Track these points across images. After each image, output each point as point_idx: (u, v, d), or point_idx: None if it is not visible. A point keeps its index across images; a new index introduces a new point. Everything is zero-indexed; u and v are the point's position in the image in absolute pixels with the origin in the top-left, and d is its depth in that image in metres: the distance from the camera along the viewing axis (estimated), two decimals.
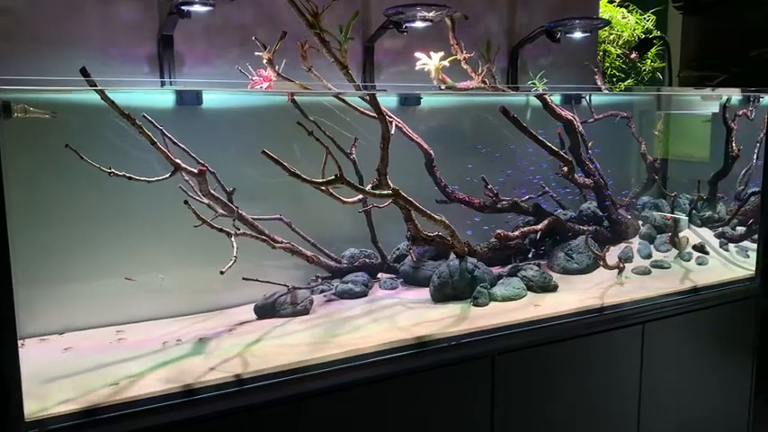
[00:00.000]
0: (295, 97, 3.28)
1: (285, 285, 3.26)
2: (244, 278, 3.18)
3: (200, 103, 3.29)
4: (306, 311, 3.26)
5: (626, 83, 4.55)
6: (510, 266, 3.71)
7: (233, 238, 2.81)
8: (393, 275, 3.72)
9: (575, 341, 3.31)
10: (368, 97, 3.14)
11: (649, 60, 4.80)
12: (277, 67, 3.20)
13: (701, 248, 4.21)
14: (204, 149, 3.25)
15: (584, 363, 3.36)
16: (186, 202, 2.66)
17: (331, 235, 3.70)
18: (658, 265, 4.02)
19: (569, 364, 3.32)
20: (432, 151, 3.59)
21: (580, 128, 4.18)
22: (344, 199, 3.02)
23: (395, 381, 2.84)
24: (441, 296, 3.43)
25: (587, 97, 4.25)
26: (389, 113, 3.45)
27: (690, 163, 4.74)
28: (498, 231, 3.48)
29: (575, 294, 3.55)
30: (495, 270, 3.79)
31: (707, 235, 4.45)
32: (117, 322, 3.17)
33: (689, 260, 4.13)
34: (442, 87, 3.77)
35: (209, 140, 3.31)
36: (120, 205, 3.09)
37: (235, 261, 2.72)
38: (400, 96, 3.79)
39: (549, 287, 3.57)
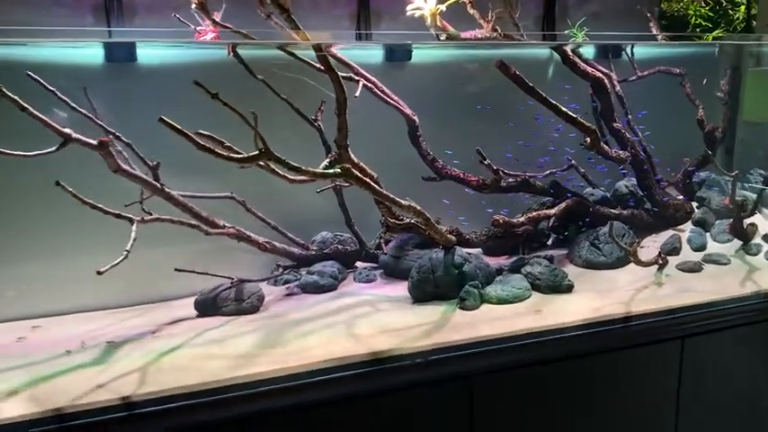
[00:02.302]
0: (284, 52, 2.62)
1: (228, 278, 2.70)
2: (177, 269, 2.63)
3: (133, 60, 2.73)
4: (254, 309, 2.67)
5: (715, 33, 3.52)
6: (514, 259, 2.96)
7: (134, 226, 2.24)
8: (373, 265, 3.08)
9: (583, 361, 2.53)
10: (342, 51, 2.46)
11: (743, 6, 3.74)
12: (216, 14, 2.58)
13: None
14: (137, 114, 2.70)
15: (595, 390, 2.58)
16: (58, 182, 2.09)
17: (304, 216, 3.08)
18: (713, 261, 3.12)
19: (575, 392, 2.55)
20: (416, 118, 2.86)
21: (617, 88, 3.30)
22: (292, 177, 2.37)
23: (329, 410, 2.21)
24: (421, 295, 2.75)
25: (628, 49, 3.34)
26: (360, 70, 2.76)
27: None
28: (496, 217, 2.73)
29: (592, 298, 2.75)
30: (499, 262, 3.06)
31: None
32: (42, 314, 2.73)
33: (756, 254, 3.19)
34: (442, 38, 3.02)
35: (143, 103, 2.76)
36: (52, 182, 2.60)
37: (125, 257, 2.14)
38: (386, 49, 3.07)
39: (560, 287, 2.79)
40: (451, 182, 2.94)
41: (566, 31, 3.30)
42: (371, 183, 2.29)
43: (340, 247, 2.96)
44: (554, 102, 2.63)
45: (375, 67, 3.05)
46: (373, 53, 3.06)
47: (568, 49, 2.90)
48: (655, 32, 3.51)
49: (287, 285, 2.91)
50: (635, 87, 3.43)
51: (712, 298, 2.76)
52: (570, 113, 2.64)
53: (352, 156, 2.53)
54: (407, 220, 2.50)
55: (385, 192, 2.33)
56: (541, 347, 2.46)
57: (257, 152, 2.13)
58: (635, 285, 2.89)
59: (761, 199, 3.18)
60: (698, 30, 3.61)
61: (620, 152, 3.08)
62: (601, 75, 2.97)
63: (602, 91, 3.00)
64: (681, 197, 3.52)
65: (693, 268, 3.03)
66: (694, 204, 3.48)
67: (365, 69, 2.90)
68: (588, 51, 3.36)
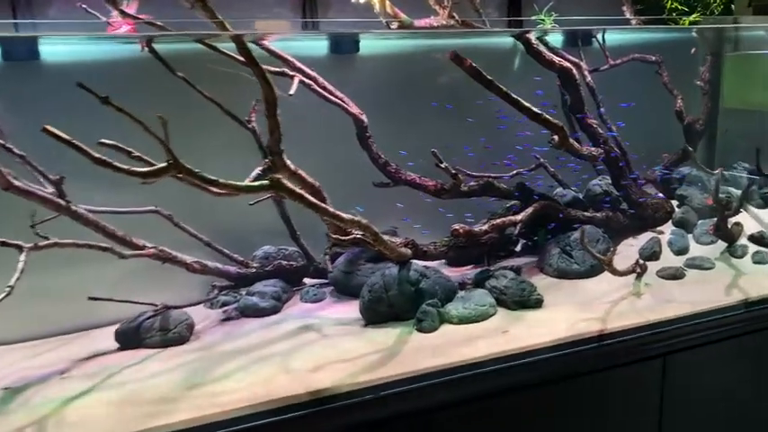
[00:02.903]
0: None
1: (152, 305, 2.35)
2: (90, 298, 2.28)
3: (34, 58, 2.36)
4: (182, 340, 2.32)
5: (692, 17, 3.21)
6: (478, 271, 2.64)
7: (23, 255, 1.88)
8: (322, 282, 2.74)
9: (555, 387, 2.22)
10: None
11: None
12: (131, 6, 2.22)
13: (760, 240, 2.97)
14: (40, 120, 2.33)
15: (569, 420, 2.27)
16: None
17: (246, 228, 2.74)
18: (697, 265, 2.82)
19: (547, 423, 2.24)
20: (364, 117, 2.53)
21: (588, 78, 3.00)
22: (215, 190, 2.02)
23: None
24: (374, 316, 2.42)
25: (599, 35, 3.03)
26: (299, 64, 2.42)
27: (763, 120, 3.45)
28: (456, 226, 2.41)
29: (564, 313, 2.44)
30: (465, 274, 2.75)
31: None
32: None
33: (742, 256, 2.90)
34: (392, 27, 2.69)
35: (48, 107, 2.38)
36: None
37: (8, 294, 1.78)
38: (331, 41, 2.73)
39: (528, 302, 2.48)
40: (411, 187, 2.62)
41: (532, 18, 3.00)
42: (306, 195, 1.95)
43: (284, 262, 2.62)
44: (516, 96, 2.31)
45: (319, 60, 2.70)
46: (317, 45, 2.72)
47: (532, 36, 2.58)
48: (629, 17, 3.22)
49: (224, 309, 2.58)
50: (609, 77, 3.13)
51: (696, 309, 2.46)
52: (534, 109, 2.32)
53: (288, 162, 2.20)
54: (354, 235, 2.17)
55: (323, 205, 2.00)
56: (509, 374, 2.15)
57: (163, 165, 1.79)
58: (611, 297, 2.58)
59: (746, 196, 2.89)
60: (674, 14, 3.31)
61: (593, 149, 2.77)
62: (568, 65, 2.66)
63: (570, 82, 2.69)
64: (660, 195, 3.23)
65: (675, 275, 2.73)
66: (675, 203, 3.20)
67: (307, 63, 2.56)
68: (556, 39, 3.04)
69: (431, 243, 2.57)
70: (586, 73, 2.96)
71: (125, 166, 1.79)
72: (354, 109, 2.48)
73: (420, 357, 2.15)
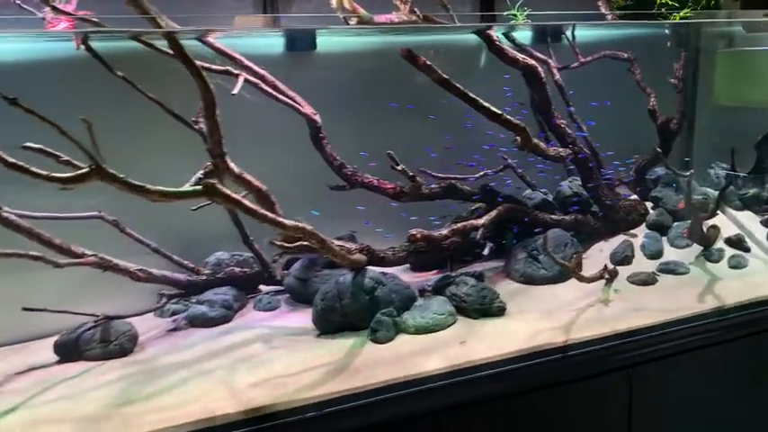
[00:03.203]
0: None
1: (92, 315, 2.21)
2: (24, 308, 2.14)
3: None
4: (123, 352, 2.18)
5: (682, 13, 3.04)
6: (438, 278, 2.51)
7: None
8: (278, 289, 2.61)
9: (516, 401, 2.08)
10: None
11: None
12: (60, 2, 2.08)
13: (737, 243, 2.83)
14: None
15: None
16: None
17: (201, 233, 2.59)
18: (670, 270, 2.68)
19: None
20: (317, 117, 2.39)
21: (557, 76, 2.85)
22: (156, 192, 1.88)
23: None
24: (327, 326, 2.29)
25: (569, 32, 2.89)
26: (246, 62, 2.28)
27: (743, 118, 3.31)
28: (413, 231, 2.27)
29: (528, 322, 2.30)
30: (428, 279, 2.61)
31: (750, 223, 3.02)
32: None
33: (718, 261, 2.76)
34: (351, 22, 2.55)
35: None
36: None
37: None
38: (287, 38, 2.59)
39: (490, 310, 2.34)
40: (369, 190, 2.48)
41: (504, 13, 2.86)
42: (243, 201, 1.81)
43: (237, 269, 2.48)
44: (474, 96, 2.17)
45: (274, 58, 2.57)
46: (272, 42, 2.58)
47: (494, 33, 2.44)
48: (604, 11, 3.08)
49: (174, 318, 2.44)
50: (581, 75, 2.98)
51: (666, 317, 2.32)
52: (493, 109, 2.18)
53: (231, 165, 2.06)
54: (299, 242, 2.03)
55: (262, 211, 1.85)
56: (466, 387, 2.01)
57: (85, 170, 1.66)
58: (578, 304, 2.44)
59: (723, 197, 2.75)
60: (664, 9, 3.14)
61: (560, 150, 2.63)
62: (533, 62, 2.51)
63: (535, 81, 2.54)
64: (634, 197, 3.10)
65: (647, 280, 2.59)
66: (649, 205, 3.06)
67: (261, 61, 2.43)
68: (524, 36, 2.91)
69: (389, 248, 2.43)
70: (555, 71, 2.82)
71: (44, 172, 1.68)
72: (307, 109, 2.34)
73: (370, 371, 2.01)
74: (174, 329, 2.37)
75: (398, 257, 2.42)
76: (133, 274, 2.23)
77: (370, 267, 2.33)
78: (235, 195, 1.82)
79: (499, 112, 2.19)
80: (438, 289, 2.42)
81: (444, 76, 2.13)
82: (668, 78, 2.98)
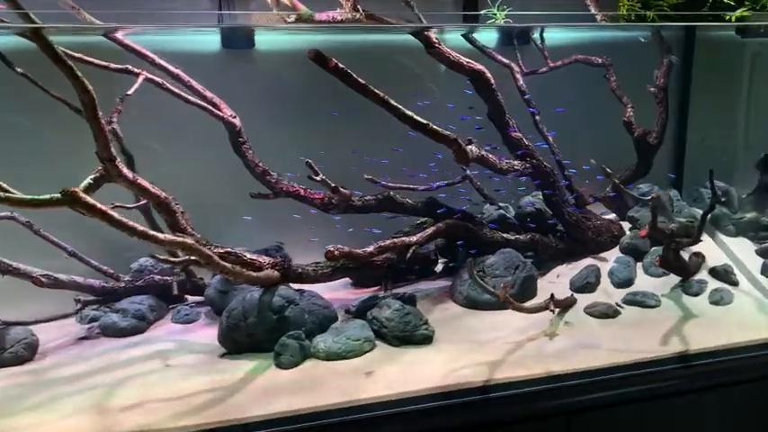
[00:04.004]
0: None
1: None
2: None
3: None
4: (18, 360, 2.01)
5: (738, 12, 2.57)
6: (365, 298, 2.23)
7: None
8: (200, 300, 2.37)
9: None
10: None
11: None
12: None
13: (724, 275, 2.40)
14: None
15: None
16: None
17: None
18: (638, 302, 2.29)
19: None
20: (236, 120, 2.15)
21: (520, 82, 2.51)
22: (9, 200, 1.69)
23: None
24: (232, 346, 2.05)
25: (537, 33, 2.53)
26: (159, 60, 2.07)
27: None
28: (330, 248, 2.00)
29: (456, 353, 1.99)
30: (357, 298, 2.33)
31: (743, 252, 2.57)
32: None
33: (698, 294, 2.34)
34: (289, 20, 2.31)
35: None
36: None
37: None
38: (223, 35, 2.37)
39: (413, 337, 2.04)
40: (295, 199, 2.24)
41: (482, 12, 2.55)
42: (109, 213, 1.60)
43: (158, 277, 2.29)
44: (395, 104, 1.88)
45: (209, 56, 2.37)
46: (208, 39, 2.37)
47: (433, 34, 2.12)
48: (593, 12, 2.72)
49: (90, 325, 2.27)
50: (553, 82, 2.62)
51: (616, 360, 1.96)
52: (418, 119, 1.88)
53: (124, 170, 1.86)
54: (184, 257, 1.81)
55: (131, 224, 1.63)
56: (355, 428, 1.74)
57: None
58: (519, 336, 2.11)
59: (704, 222, 2.33)
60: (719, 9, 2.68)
61: (514, 162, 2.30)
62: (479, 67, 2.19)
63: (484, 87, 2.21)
64: (612, 216, 2.71)
65: (606, 313, 2.22)
66: (626, 226, 2.66)
67: (195, 59, 2.24)
68: (489, 37, 2.58)
69: (312, 263, 2.18)
70: (519, 76, 2.48)
71: None
72: (226, 111, 2.11)
73: (257, 401, 1.76)
74: (85, 338, 2.20)
75: (322, 274, 2.15)
76: (35, 280, 2.06)
77: (290, 285, 2.09)
78: (100, 206, 1.62)
79: (425, 122, 1.89)
80: (361, 311, 2.15)
81: (361, 81, 1.85)
82: (648, 87, 2.56)
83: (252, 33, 2.33)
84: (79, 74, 1.68)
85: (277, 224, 2.42)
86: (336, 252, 2.02)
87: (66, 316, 2.27)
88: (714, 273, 2.42)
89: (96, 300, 2.28)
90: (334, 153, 2.41)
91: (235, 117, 2.12)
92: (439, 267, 2.60)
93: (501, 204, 2.53)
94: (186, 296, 2.39)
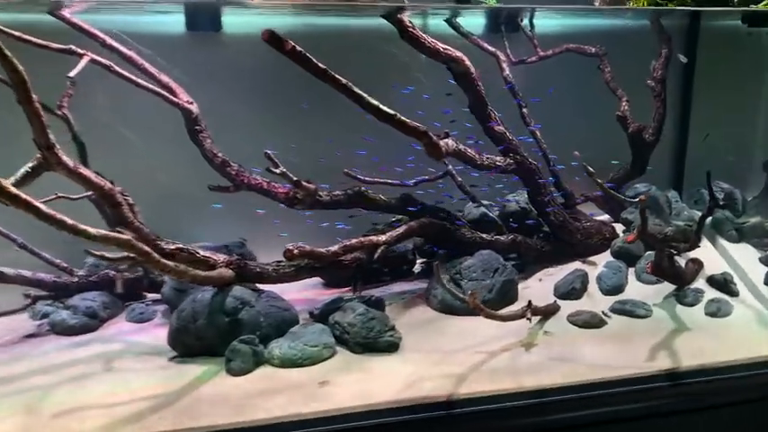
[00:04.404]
0: None
1: None
2: None
3: None
4: None
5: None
6: (329, 300, 2.05)
7: None
8: (158, 298, 2.22)
9: None
10: None
11: None
12: None
13: (722, 284, 2.19)
14: None
15: None
16: None
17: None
18: (627, 311, 2.09)
19: None
20: (193, 107, 1.98)
21: (506, 72, 2.31)
22: None
23: None
24: (182, 348, 1.89)
25: (526, 20, 2.32)
26: (110, 41, 1.91)
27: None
28: (289, 246, 1.83)
29: (422, 363, 1.81)
30: (328, 297, 2.15)
31: (746, 259, 2.34)
32: None
33: (693, 304, 2.13)
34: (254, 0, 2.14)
35: None
36: None
37: None
38: (187, 15, 2.21)
39: (377, 344, 1.86)
40: (258, 193, 2.07)
41: None
42: (37, 205, 1.44)
43: (113, 273, 2.14)
44: (360, 92, 1.70)
45: (172, 38, 2.21)
46: (172, 20, 2.21)
47: (406, 18, 1.93)
48: None
49: (41, 322, 2.13)
50: (546, 72, 2.42)
51: (596, 376, 1.77)
52: (385, 109, 1.70)
53: (64, 158, 1.70)
54: (122, 254, 1.65)
55: (59, 216, 1.46)
56: None
57: None
58: (494, 345, 1.92)
59: (702, 227, 2.12)
60: None
61: (497, 158, 2.11)
62: (458, 54, 2.00)
63: (463, 76, 2.02)
64: (604, 217, 2.51)
65: (590, 322, 2.03)
66: (620, 228, 2.46)
67: (158, 42, 2.08)
68: (475, 23, 2.38)
69: (273, 262, 2.01)
70: (505, 66, 2.29)
71: None
72: (182, 97, 1.95)
73: (192, 413, 1.59)
74: (33, 335, 2.06)
75: (284, 273, 1.98)
76: None
77: (247, 285, 1.93)
78: (25, 197, 1.46)
79: (391, 112, 1.71)
80: (324, 314, 1.98)
81: (321, 65, 1.67)
82: (646, 80, 2.34)
83: (219, 15, 2.17)
84: (7, 52, 1.53)
85: (249, 218, 2.25)
86: (296, 251, 1.84)
87: (16, 311, 2.14)
88: (712, 281, 2.21)
89: (49, 295, 2.14)
90: (306, 144, 2.25)
91: (191, 103, 1.96)
92: (417, 268, 2.43)
93: (484, 202, 2.34)
94: (145, 293, 2.25)
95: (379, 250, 1.95)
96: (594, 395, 1.73)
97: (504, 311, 1.93)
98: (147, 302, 2.17)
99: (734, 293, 2.17)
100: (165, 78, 1.95)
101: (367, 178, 2.22)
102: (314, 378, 1.77)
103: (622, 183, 2.45)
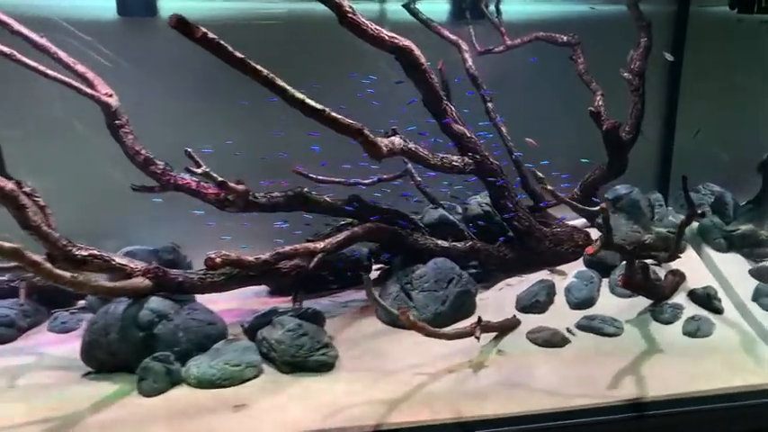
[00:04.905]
0: None
1: None
2: None
3: None
4: None
5: None
6: (258, 314, 1.85)
7: None
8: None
9: None
10: None
11: None
12: None
13: (705, 300, 1.94)
14: None
15: None
16: None
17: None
18: (594, 328, 1.86)
19: None
20: (112, 100, 1.79)
21: (469, 63, 2.10)
22: None
23: None
24: (95, 364, 1.71)
25: (492, 5, 2.09)
26: (18, 27, 1.74)
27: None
28: (211, 254, 1.64)
29: (354, 384, 1.62)
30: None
31: (734, 272, 2.08)
32: None
33: (671, 321, 1.89)
34: None
35: None
36: None
37: None
38: (119, 1, 2.02)
39: (306, 364, 1.67)
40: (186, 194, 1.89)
41: None
42: None
43: (17, 281, 1.95)
44: (284, 84, 1.50)
45: (103, 25, 2.03)
46: (103, 5, 2.03)
47: (345, 3, 1.71)
48: None
49: None
50: (517, 62, 2.19)
51: (546, 406, 1.55)
52: (311, 103, 1.50)
53: None
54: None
55: None
56: None
57: None
58: (439, 365, 1.71)
59: (700, 232, 1.88)
60: None
61: (454, 158, 1.89)
62: (406, 43, 1.78)
63: (413, 67, 1.80)
64: (579, 221, 2.28)
65: (551, 340, 1.81)
66: (596, 234, 2.22)
67: (86, 28, 1.90)
68: (439, 10, 2.16)
69: (199, 271, 1.83)
70: (467, 56, 2.07)
71: None
72: (100, 89, 1.76)
73: None
74: None
75: (212, 283, 1.80)
76: None
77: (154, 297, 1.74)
78: None
79: (319, 107, 1.51)
80: (254, 328, 1.79)
81: (239, 54, 1.48)
82: (620, 72, 2.08)
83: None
84: None
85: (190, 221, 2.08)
86: (219, 259, 1.66)
87: None
88: (694, 296, 1.97)
89: None
90: (252, 138, 2.06)
91: (111, 96, 1.78)
92: (375, 274, 2.23)
93: (445, 204, 2.12)
94: (76, 300, 2.08)
95: (316, 258, 1.76)
96: (543, 428, 1.53)
97: (450, 329, 1.71)
98: (74, 310, 2.01)
99: (718, 310, 1.92)
100: (81, 68, 1.77)
101: (320, 177, 2.04)
102: (231, 401, 1.59)
103: (599, 184, 2.21)
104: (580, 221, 2.33)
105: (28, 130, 1.95)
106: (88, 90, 1.75)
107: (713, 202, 2.23)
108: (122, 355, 1.67)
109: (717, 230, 2.15)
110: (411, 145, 1.82)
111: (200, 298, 2.05)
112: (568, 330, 1.86)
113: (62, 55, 1.76)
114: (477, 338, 1.70)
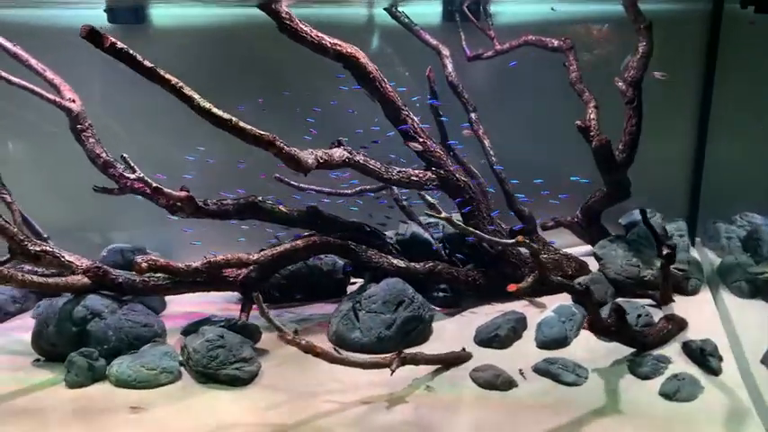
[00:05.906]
0: None
1: None
2: None
3: None
4: None
5: None
6: (195, 321, 1.82)
7: None
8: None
9: None
10: None
11: None
12: None
13: (697, 356, 1.57)
14: None
15: None
16: None
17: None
18: (552, 374, 1.59)
19: None
20: (74, 105, 1.85)
21: (449, 69, 1.90)
22: None
23: None
24: (41, 352, 1.80)
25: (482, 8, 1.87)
26: None
27: None
28: (138, 260, 1.63)
29: (258, 403, 1.54)
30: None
31: (752, 322, 1.70)
32: None
33: (650, 377, 1.56)
34: None
35: None
36: None
37: None
38: (108, 9, 2.10)
39: (217, 377, 1.62)
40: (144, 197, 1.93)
41: None
42: None
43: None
44: (191, 92, 1.46)
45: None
46: (94, 14, 2.12)
47: (283, 9, 1.59)
48: None
49: None
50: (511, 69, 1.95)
51: None
52: (219, 113, 1.43)
53: None
54: None
55: None
56: None
57: None
58: (357, 394, 1.56)
59: (720, 271, 1.52)
60: None
61: (414, 172, 1.72)
62: (351, 50, 1.65)
63: (363, 77, 1.68)
64: (584, 249, 1.97)
65: (492, 382, 1.57)
66: (595, 264, 1.89)
67: (75, 36, 2.03)
68: (431, 12, 1.99)
69: (149, 276, 1.83)
70: (447, 62, 1.88)
71: None
72: (65, 95, 1.84)
73: None
74: None
75: (155, 286, 1.80)
76: None
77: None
78: None
79: (227, 116, 1.45)
80: (187, 334, 1.76)
81: (148, 64, 1.46)
82: (615, 80, 1.73)
83: (142, 7, 2.06)
84: None
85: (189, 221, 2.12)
86: (145, 264, 1.67)
87: None
88: (687, 349, 1.62)
89: None
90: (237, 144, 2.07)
91: (74, 101, 1.85)
92: (353, 288, 2.11)
93: (422, 220, 1.95)
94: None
95: (246, 271, 1.70)
96: None
97: (366, 357, 1.56)
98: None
99: (713, 370, 1.56)
100: (50, 75, 1.87)
101: (302, 185, 1.99)
102: (136, 403, 1.59)
103: (602, 208, 1.91)
104: (585, 248, 2.03)
105: (27, 129, 2.11)
106: (49, 96, 1.86)
107: (745, 236, 1.83)
108: (60, 347, 1.75)
109: (740, 271, 1.76)
110: (359, 157, 1.70)
111: (168, 299, 2.12)
112: (521, 372, 1.62)
113: (32, 62, 1.87)
114: (393, 371, 1.55)
